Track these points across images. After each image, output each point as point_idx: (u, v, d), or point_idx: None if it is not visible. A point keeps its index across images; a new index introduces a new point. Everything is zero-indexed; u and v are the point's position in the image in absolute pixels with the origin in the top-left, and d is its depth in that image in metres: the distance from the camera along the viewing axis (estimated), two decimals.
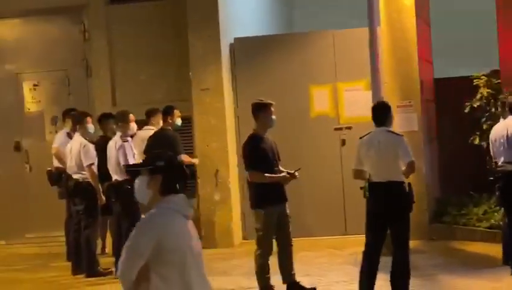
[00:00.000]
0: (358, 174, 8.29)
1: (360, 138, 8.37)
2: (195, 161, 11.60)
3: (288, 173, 8.61)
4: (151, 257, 4.45)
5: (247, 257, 10.99)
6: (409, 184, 8.03)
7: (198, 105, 12.11)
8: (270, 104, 8.64)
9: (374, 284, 8.05)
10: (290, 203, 8.81)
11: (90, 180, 10.43)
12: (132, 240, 4.48)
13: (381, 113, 8.25)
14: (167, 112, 11.24)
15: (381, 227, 8.08)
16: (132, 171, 4.78)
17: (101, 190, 10.44)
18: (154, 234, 4.44)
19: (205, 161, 11.98)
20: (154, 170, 4.58)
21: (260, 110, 8.61)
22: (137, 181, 4.63)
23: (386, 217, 8.01)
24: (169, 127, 11.20)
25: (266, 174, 8.48)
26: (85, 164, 10.43)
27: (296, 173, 8.62)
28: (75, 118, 10.93)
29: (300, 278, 8.86)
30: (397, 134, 8.26)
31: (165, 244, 4.44)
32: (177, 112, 11.26)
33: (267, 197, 8.48)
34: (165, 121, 11.26)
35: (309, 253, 10.71)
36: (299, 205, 11.43)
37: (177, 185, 4.59)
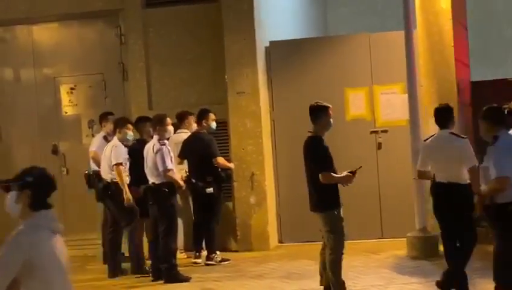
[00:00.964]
0: (422, 174, 8.49)
1: (424, 140, 8.51)
2: (232, 165, 11.62)
3: (350, 172, 8.56)
4: (20, 273, 4.55)
5: (283, 260, 11.01)
6: (470, 186, 8.03)
7: (234, 108, 12.12)
8: (329, 107, 8.63)
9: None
10: None
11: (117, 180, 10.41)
12: (1, 257, 4.58)
13: (444, 115, 8.26)
14: (202, 115, 11.26)
15: (448, 223, 8.16)
16: (4, 186, 4.80)
17: (127, 190, 10.43)
18: (21, 252, 4.53)
19: (241, 164, 11.98)
20: (23, 185, 4.63)
21: (321, 112, 8.54)
22: (7, 196, 4.69)
23: (448, 217, 8.04)
24: (204, 130, 11.22)
25: (333, 175, 8.44)
26: (112, 163, 10.43)
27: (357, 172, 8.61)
28: (116, 122, 10.89)
29: None
30: (461, 136, 8.25)
31: (32, 261, 4.53)
32: (211, 115, 11.27)
33: (334, 198, 8.47)
34: (199, 124, 11.28)
35: (344, 256, 10.63)
36: None
37: (47, 200, 4.66)
